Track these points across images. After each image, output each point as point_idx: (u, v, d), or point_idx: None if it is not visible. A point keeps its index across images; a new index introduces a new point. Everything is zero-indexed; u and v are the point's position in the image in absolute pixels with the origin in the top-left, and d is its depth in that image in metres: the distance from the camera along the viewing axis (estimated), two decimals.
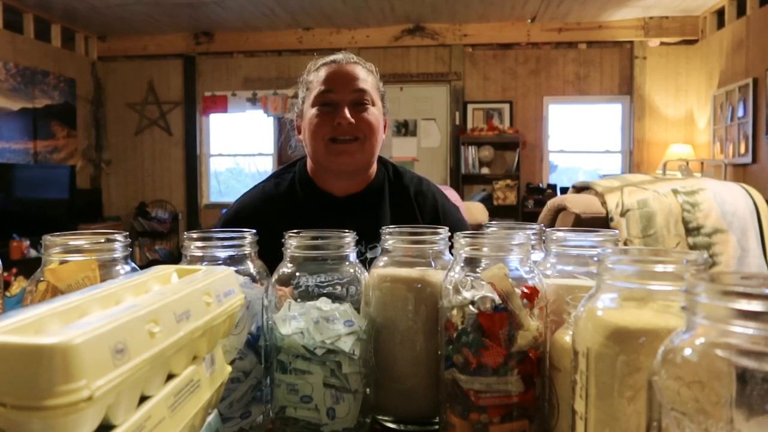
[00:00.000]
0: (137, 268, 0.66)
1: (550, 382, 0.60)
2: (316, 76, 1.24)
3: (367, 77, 1.24)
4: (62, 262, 0.61)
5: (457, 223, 1.32)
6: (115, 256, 0.64)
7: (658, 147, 6.10)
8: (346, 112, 1.18)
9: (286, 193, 1.29)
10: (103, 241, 0.64)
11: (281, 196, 1.29)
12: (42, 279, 0.60)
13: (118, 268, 0.64)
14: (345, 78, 1.21)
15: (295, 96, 1.34)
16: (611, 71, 6.28)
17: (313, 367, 0.64)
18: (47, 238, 0.62)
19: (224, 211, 1.38)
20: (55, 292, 0.59)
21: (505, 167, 6.33)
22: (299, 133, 1.32)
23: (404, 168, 1.38)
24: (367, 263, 1.16)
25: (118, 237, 0.65)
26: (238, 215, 1.28)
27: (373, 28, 6.39)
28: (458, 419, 0.60)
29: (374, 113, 1.22)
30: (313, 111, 1.22)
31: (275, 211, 1.26)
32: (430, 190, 1.34)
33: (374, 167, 1.31)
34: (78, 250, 0.62)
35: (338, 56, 1.25)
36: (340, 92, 1.20)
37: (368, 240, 1.16)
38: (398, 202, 1.30)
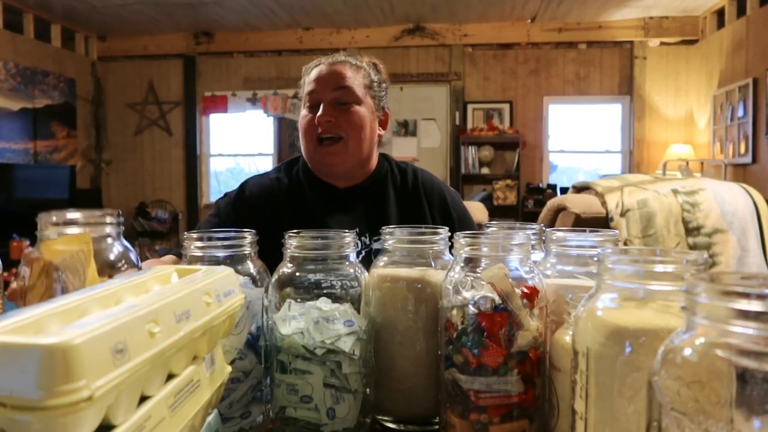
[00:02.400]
0: (130, 247, 0.66)
1: (550, 382, 0.60)
2: (307, 77, 1.27)
3: (355, 75, 1.25)
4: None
5: (465, 214, 1.35)
6: (108, 231, 0.64)
7: (658, 147, 6.10)
8: (321, 111, 1.21)
9: (294, 182, 1.31)
10: (98, 214, 0.64)
11: (291, 184, 1.31)
12: (36, 256, 0.60)
13: (111, 243, 0.64)
14: (327, 77, 1.23)
15: (295, 96, 1.37)
16: (611, 71, 6.28)
17: (313, 367, 0.64)
18: (42, 215, 0.62)
19: None
20: (49, 268, 0.58)
21: (505, 167, 6.33)
22: None
23: (406, 163, 1.39)
24: (372, 254, 1.17)
25: (110, 213, 0.65)
26: (251, 190, 1.31)
27: (373, 28, 6.39)
28: (458, 419, 0.60)
29: (358, 111, 1.23)
30: (303, 112, 1.26)
31: (284, 197, 1.28)
32: (435, 182, 1.36)
33: (374, 162, 1.32)
34: (73, 223, 0.62)
35: (328, 57, 1.28)
36: (322, 92, 1.23)
37: (372, 231, 1.17)
38: (404, 194, 1.32)
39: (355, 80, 1.24)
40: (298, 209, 1.26)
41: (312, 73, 1.26)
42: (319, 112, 1.20)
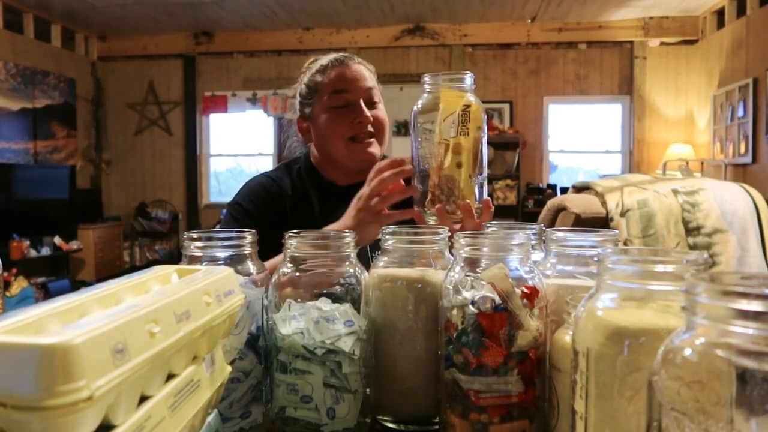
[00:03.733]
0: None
1: (550, 382, 0.60)
2: (325, 77, 1.26)
3: (371, 76, 1.28)
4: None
5: None
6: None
7: (658, 147, 6.10)
8: (366, 110, 1.22)
9: (295, 181, 1.32)
10: None
11: (292, 183, 1.32)
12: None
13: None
14: (356, 77, 1.24)
15: (290, 95, 1.37)
16: (611, 71, 6.28)
17: (313, 367, 0.64)
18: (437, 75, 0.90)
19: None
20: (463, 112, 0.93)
21: (505, 167, 6.33)
22: (303, 133, 1.34)
23: None
24: (369, 250, 1.17)
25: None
26: (252, 191, 1.31)
27: (373, 28, 6.39)
28: (458, 419, 0.60)
29: (383, 110, 1.28)
30: (329, 115, 1.25)
31: (286, 195, 1.29)
32: None
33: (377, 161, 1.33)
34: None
35: (340, 56, 1.27)
36: (354, 91, 1.23)
37: None
38: None
39: (373, 81, 1.28)
40: (300, 207, 1.27)
41: (332, 73, 1.25)
42: (361, 113, 1.22)
